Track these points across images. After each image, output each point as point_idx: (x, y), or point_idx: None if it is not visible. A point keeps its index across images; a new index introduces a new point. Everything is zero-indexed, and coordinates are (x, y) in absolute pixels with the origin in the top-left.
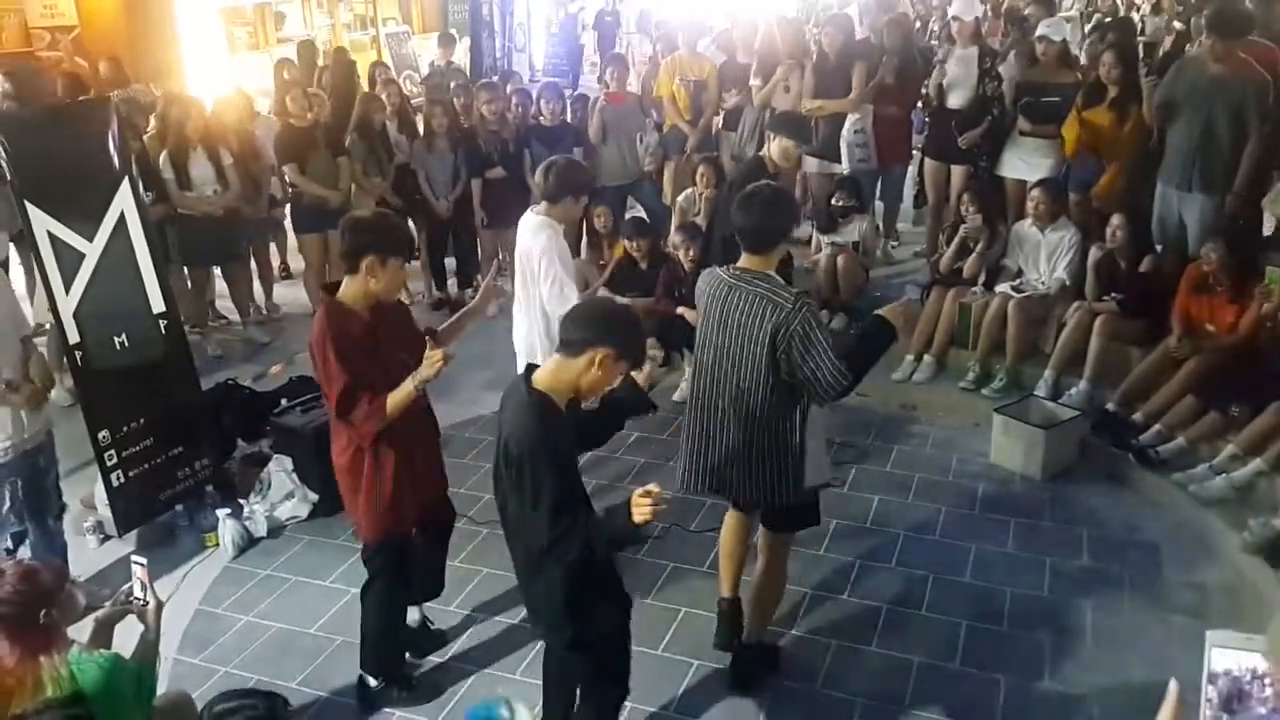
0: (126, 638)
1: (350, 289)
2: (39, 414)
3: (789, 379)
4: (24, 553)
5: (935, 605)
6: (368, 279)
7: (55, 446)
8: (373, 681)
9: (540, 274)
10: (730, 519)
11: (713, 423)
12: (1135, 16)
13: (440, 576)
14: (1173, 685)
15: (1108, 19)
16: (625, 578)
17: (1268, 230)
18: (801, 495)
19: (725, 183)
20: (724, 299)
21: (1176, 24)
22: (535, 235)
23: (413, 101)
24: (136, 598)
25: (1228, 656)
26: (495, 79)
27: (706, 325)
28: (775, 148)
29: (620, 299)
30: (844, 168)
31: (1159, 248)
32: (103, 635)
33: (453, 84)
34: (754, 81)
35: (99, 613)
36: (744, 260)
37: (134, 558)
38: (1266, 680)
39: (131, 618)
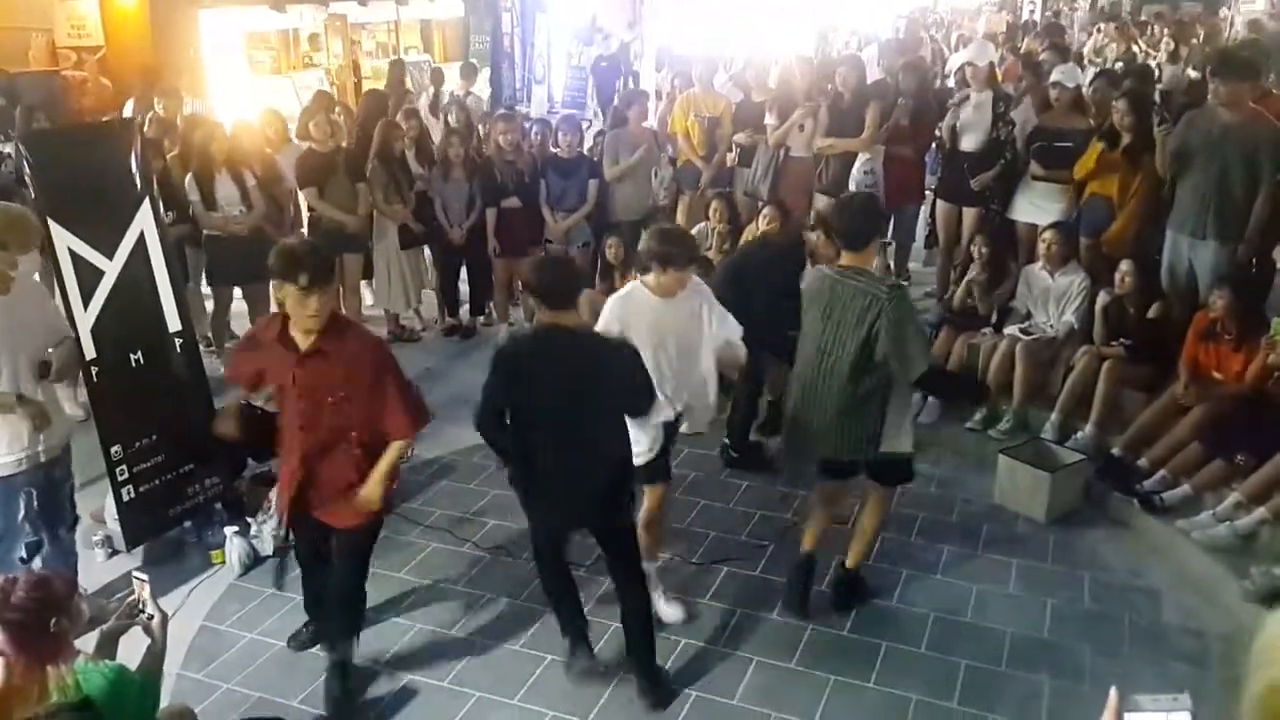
0: (132, 651)
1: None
2: (57, 426)
3: (880, 359)
4: (37, 563)
5: (935, 644)
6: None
7: (71, 460)
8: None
9: (716, 325)
10: (819, 490)
11: (814, 396)
12: (1152, 64)
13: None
14: (1113, 693)
15: (1118, 64)
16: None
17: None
18: (888, 454)
19: (758, 249)
20: (829, 292)
21: (1192, 72)
22: (681, 303)
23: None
24: (142, 611)
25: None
26: (515, 109)
27: (811, 317)
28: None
29: None
30: None
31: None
32: (107, 647)
33: (455, 116)
34: (770, 120)
35: (105, 625)
36: (844, 258)
37: (135, 574)
38: None
39: (137, 631)
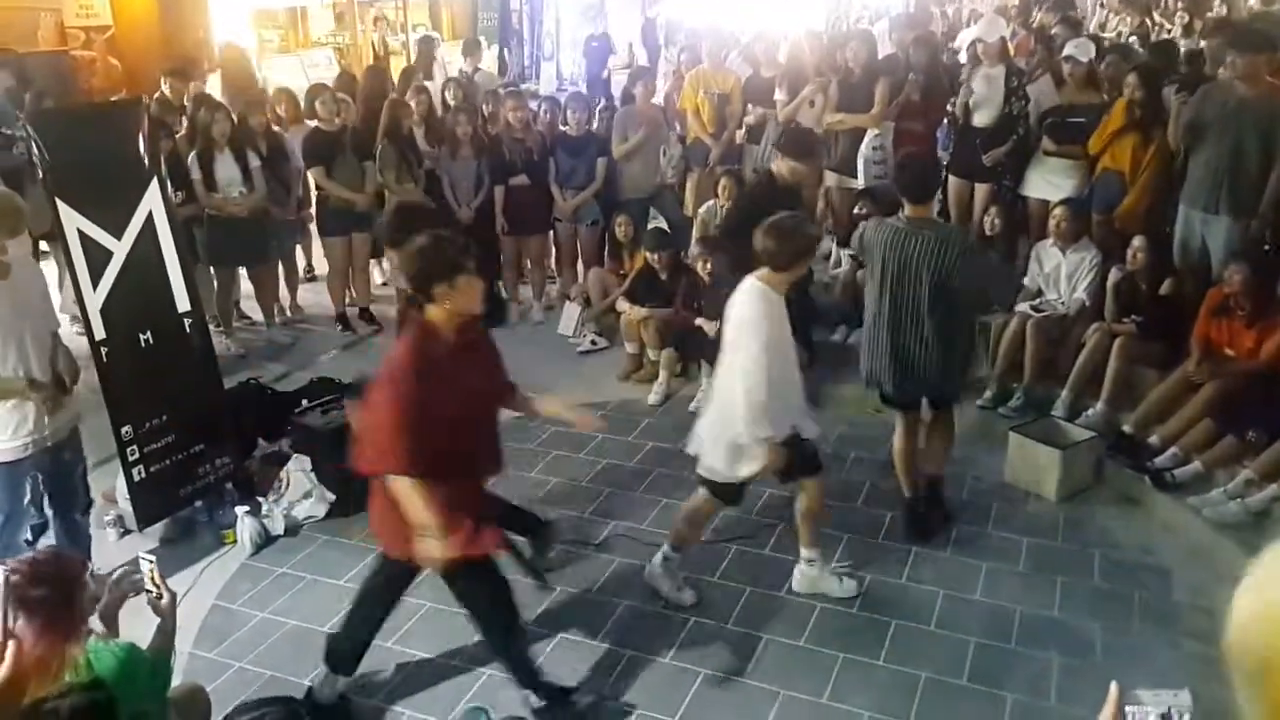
0: (143, 630)
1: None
2: (64, 409)
3: (964, 295)
4: (44, 544)
5: (944, 622)
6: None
7: (82, 441)
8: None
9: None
10: (900, 425)
11: (901, 337)
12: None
13: None
14: (1114, 687)
15: (1132, 37)
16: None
17: None
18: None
19: (742, 192)
20: (903, 243)
21: (1205, 44)
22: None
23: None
24: (149, 590)
25: (1144, 711)
26: (521, 87)
27: (886, 265)
28: (784, 167)
29: (640, 309)
30: (860, 183)
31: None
32: (110, 624)
33: (454, 94)
34: (779, 96)
35: (100, 604)
36: (910, 210)
37: (142, 555)
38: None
39: (148, 611)
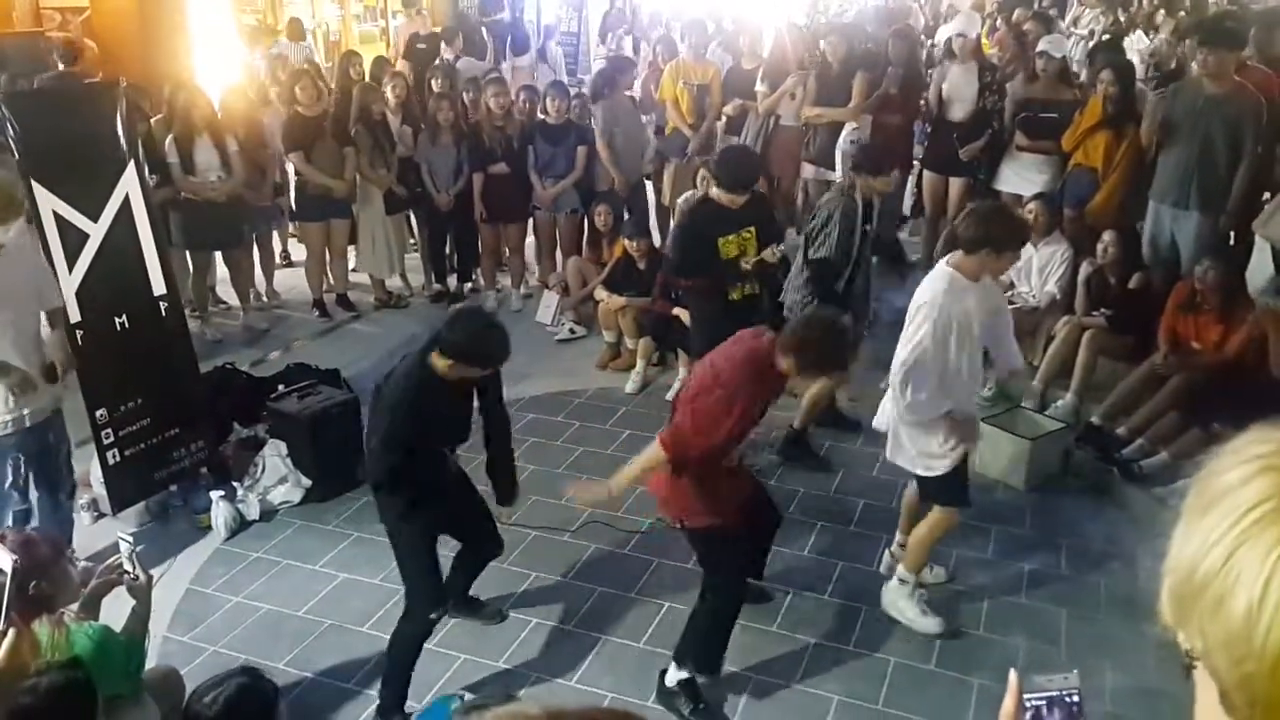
0: (118, 613)
1: None
2: (45, 391)
3: None
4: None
5: None
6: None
7: (64, 423)
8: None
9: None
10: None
11: None
12: (1139, 35)
13: None
14: (1012, 675)
15: (1106, 36)
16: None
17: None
18: None
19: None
20: None
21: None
22: (986, 290)
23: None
24: (127, 573)
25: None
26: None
27: None
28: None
29: (618, 298)
30: (837, 175)
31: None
32: (91, 608)
33: (440, 82)
34: (760, 87)
35: (87, 587)
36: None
37: (120, 535)
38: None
39: (122, 593)
